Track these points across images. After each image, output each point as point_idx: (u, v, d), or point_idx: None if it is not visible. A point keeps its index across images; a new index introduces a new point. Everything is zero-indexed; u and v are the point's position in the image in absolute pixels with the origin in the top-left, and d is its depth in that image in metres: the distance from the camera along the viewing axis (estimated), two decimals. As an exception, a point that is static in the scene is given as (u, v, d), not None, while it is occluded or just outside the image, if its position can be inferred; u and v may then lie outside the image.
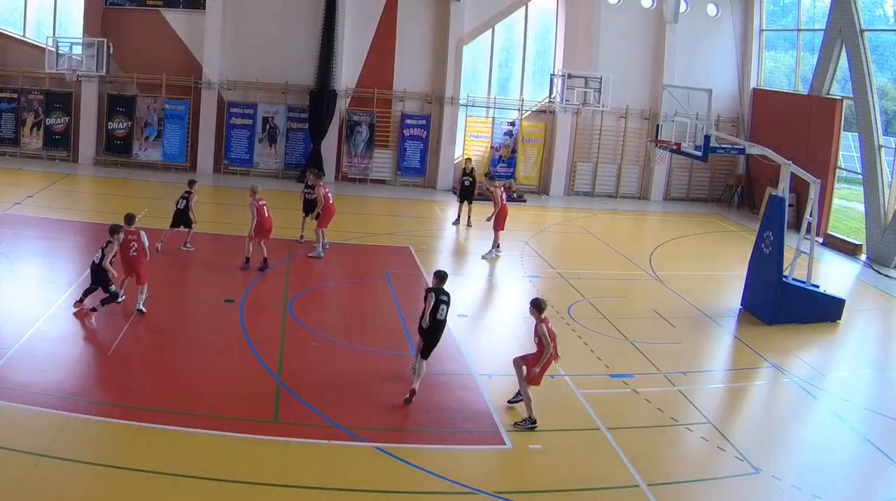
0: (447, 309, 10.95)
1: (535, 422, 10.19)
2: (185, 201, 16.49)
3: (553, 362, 10.47)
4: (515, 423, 10.27)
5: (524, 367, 10.40)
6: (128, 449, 8.78)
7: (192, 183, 16.98)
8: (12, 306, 12.70)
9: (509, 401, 10.79)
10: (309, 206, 17.70)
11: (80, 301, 12.59)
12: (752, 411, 11.92)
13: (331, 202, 17.44)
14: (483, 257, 18.22)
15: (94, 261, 12.44)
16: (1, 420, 9.08)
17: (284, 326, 13.02)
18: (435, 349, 11.03)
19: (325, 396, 10.55)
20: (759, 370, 12.99)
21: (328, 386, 10.92)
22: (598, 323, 14.37)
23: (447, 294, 10.99)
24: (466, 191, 21.14)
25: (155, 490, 8.12)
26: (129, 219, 12.95)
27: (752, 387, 12.53)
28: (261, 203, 15.81)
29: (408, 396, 10.63)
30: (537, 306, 10.54)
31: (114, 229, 12.50)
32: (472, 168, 21.44)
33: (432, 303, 10.73)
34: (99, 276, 12.37)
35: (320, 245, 17.16)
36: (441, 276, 11.04)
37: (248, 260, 15.87)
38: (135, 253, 12.73)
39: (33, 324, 11.88)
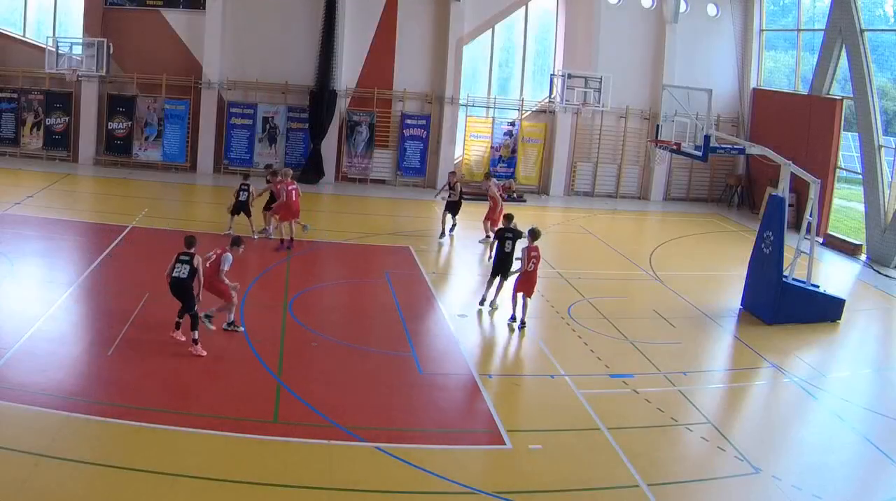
0: (512, 243, 14.27)
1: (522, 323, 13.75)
2: (245, 193, 17.52)
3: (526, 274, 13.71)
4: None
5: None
6: (128, 449, 8.78)
7: (247, 176, 18.26)
8: (12, 306, 12.70)
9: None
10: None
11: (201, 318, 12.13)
12: (752, 411, 11.92)
13: (293, 199, 17.17)
14: (480, 242, 19.10)
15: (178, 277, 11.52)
16: (1, 420, 9.07)
17: (284, 326, 13.01)
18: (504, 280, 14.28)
19: (325, 396, 10.55)
20: (759, 370, 12.98)
21: (328, 386, 10.93)
22: (598, 323, 14.37)
23: (512, 230, 14.40)
24: (452, 206, 19.49)
25: (155, 490, 8.12)
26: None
27: (752, 387, 12.53)
28: (291, 187, 17.00)
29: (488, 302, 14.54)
30: (532, 234, 13.78)
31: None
32: (457, 182, 19.77)
33: (497, 242, 14.47)
34: (185, 293, 11.53)
35: (270, 228, 17.94)
36: (509, 217, 14.87)
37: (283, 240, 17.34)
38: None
39: (33, 324, 11.87)
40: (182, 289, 11.53)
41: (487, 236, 18.81)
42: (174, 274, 11.51)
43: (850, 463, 10.15)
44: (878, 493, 9.63)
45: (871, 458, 10.26)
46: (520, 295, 13.75)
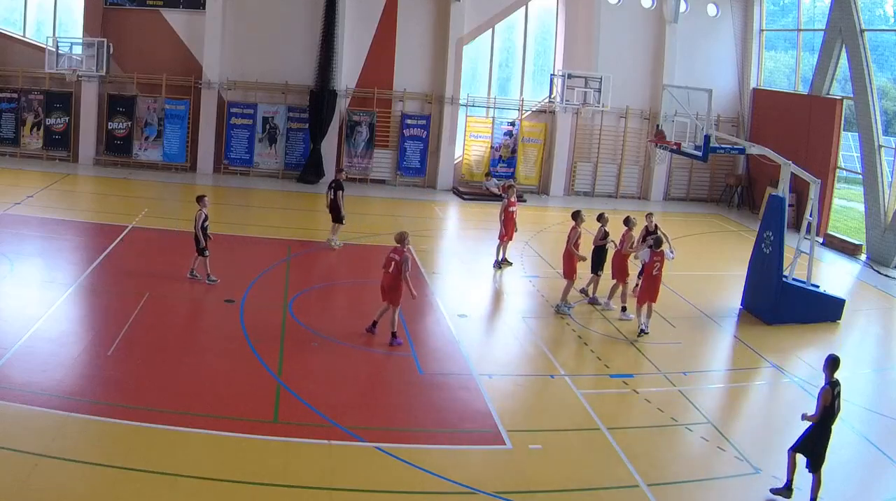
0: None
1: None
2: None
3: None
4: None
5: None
6: (128, 449, 8.78)
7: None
8: (12, 306, 12.70)
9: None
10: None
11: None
12: (752, 411, 11.92)
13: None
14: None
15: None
16: (1, 420, 9.08)
17: (284, 326, 13.02)
18: None
19: (325, 396, 10.56)
20: (759, 370, 12.99)
21: (328, 386, 10.93)
22: (599, 323, 14.36)
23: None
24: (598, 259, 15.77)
25: (155, 490, 8.12)
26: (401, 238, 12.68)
27: (752, 387, 12.53)
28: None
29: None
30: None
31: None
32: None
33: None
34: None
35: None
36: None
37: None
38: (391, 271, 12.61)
39: (33, 324, 11.88)
40: None
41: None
42: None
43: (850, 463, 10.15)
44: (878, 493, 9.64)
45: (871, 458, 10.27)
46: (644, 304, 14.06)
